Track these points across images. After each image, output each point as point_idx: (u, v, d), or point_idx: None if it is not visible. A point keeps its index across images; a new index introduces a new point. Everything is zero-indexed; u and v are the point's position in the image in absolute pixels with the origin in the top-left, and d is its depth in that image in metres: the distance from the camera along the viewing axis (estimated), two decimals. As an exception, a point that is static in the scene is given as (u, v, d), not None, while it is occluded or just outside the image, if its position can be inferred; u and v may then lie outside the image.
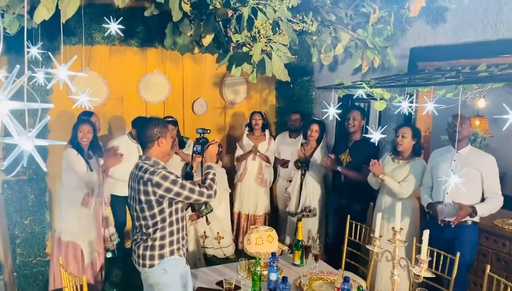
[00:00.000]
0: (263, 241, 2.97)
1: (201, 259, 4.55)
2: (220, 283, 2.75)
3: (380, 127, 2.80)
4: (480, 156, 3.22)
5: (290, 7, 2.33)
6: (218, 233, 4.76)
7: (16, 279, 4.19)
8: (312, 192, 4.60)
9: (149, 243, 2.48)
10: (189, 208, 4.15)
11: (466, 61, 3.42)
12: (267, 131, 5.10)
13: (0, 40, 1.24)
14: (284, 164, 4.96)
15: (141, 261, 2.51)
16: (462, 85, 3.02)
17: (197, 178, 2.85)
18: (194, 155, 2.86)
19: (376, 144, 4.17)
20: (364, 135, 4.25)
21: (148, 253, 2.48)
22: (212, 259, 4.76)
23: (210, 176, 2.60)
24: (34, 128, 0.96)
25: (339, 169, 4.17)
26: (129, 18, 4.31)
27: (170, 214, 2.49)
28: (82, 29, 4.17)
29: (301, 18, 2.58)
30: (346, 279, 2.45)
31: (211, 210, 4.49)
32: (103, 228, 3.92)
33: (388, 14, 2.87)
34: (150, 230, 2.47)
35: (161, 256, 2.48)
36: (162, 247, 2.48)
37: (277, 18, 2.32)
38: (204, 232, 4.72)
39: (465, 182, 2.31)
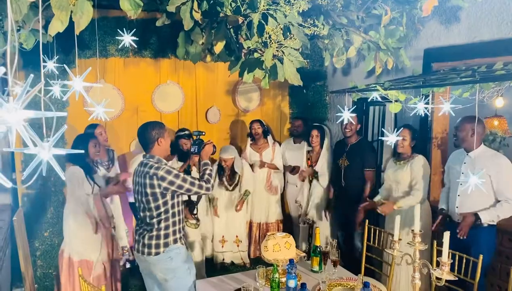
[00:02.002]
0: (280, 248, 2.94)
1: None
2: (238, 291, 2.74)
3: (396, 129, 2.76)
4: (492, 157, 3.13)
5: (300, 11, 2.32)
6: (237, 236, 4.80)
7: (37, 290, 4.23)
8: (319, 199, 4.60)
9: (154, 233, 2.77)
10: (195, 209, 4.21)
11: (482, 60, 3.37)
12: (269, 138, 5.09)
13: (15, 54, 1.26)
14: (293, 171, 4.94)
15: (146, 250, 2.78)
16: (478, 84, 2.97)
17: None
18: (191, 155, 3.20)
19: (373, 146, 4.28)
20: (360, 138, 4.30)
21: (153, 242, 2.77)
22: (230, 267, 4.75)
23: (207, 172, 2.92)
24: (52, 138, 0.97)
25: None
26: (142, 30, 4.37)
27: (173, 206, 2.79)
28: (96, 42, 4.25)
29: (312, 22, 2.57)
30: (366, 285, 2.41)
31: (250, 193, 4.71)
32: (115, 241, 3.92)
33: (400, 15, 2.84)
34: (154, 220, 2.77)
35: (166, 244, 2.77)
36: (166, 236, 2.78)
37: (287, 23, 2.32)
38: (223, 237, 4.78)
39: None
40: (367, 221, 3.54)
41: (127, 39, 2.81)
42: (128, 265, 4.58)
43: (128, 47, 4.43)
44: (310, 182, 4.70)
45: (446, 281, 2.07)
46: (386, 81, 3.37)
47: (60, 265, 3.62)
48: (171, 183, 2.70)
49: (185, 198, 3.73)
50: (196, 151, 3.14)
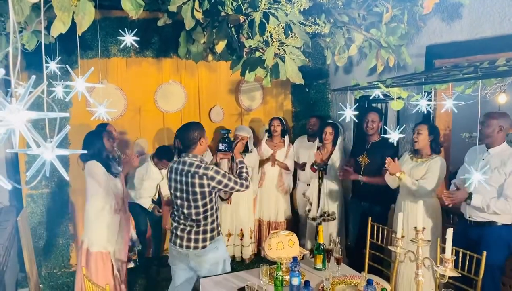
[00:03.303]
0: (283, 246, 2.95)
1: None
2: (242, 289, 2.74)
3: (398, 127, 2.76)
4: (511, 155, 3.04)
5: (301, 10, 2.32)
6: (241, 230, 4.93)
7: (42, 290, 4.26)
8: (330, 196, 4.57)
9: (201, 228, 2.99)
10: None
11: (484, 56, 3.36)
12: (286, 138, 5.08)
13: (18, 56, 1.27)
14: (302, 166, 4.94)
15: (192, 244, 2.99)
16: (481, 80, 2.96)
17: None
18: (219, 152, 3.44)
19: (394, 144, 4.17)
20: (382, 136, 4.22)
21: (200, 236, 2.99)
22: (234, 266, 4.77)
23: (244, 170, 3.10)
24: (55, 138, 0.98)
25: (360, 178, 4.16)
26: (144, 30, 4.38)
27: (215, 202, 3.04)
28: (98, 42, 4.26)
29: (313, 21, 2.56)
30: (369, 282, 2.41)
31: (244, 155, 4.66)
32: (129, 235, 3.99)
33: (401, 12, 2.83)
34: (201, 217, 2.96)
35: (212, 238, 3.02)
36: (212, 230, 3.03)
37: (289, 22, 2.32)
38: (228, 230, 4.91)
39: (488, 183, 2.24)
40: (369, 218, 3.54)
41: (128, 39, 2.81)
42: (132, 264, 4.60)
43: (130, 47, 4.45)
44: (320, 178, 4.67)
45: (455, 279, 2.07)
46: (388, 79, 3.36)
47: (78, 257, 3.67)
48: (219, 182, 2.90)
49: None
50: (226, 148, 3.34)
